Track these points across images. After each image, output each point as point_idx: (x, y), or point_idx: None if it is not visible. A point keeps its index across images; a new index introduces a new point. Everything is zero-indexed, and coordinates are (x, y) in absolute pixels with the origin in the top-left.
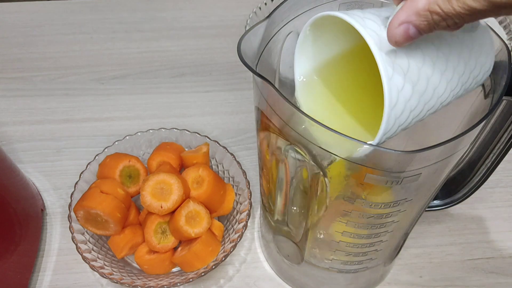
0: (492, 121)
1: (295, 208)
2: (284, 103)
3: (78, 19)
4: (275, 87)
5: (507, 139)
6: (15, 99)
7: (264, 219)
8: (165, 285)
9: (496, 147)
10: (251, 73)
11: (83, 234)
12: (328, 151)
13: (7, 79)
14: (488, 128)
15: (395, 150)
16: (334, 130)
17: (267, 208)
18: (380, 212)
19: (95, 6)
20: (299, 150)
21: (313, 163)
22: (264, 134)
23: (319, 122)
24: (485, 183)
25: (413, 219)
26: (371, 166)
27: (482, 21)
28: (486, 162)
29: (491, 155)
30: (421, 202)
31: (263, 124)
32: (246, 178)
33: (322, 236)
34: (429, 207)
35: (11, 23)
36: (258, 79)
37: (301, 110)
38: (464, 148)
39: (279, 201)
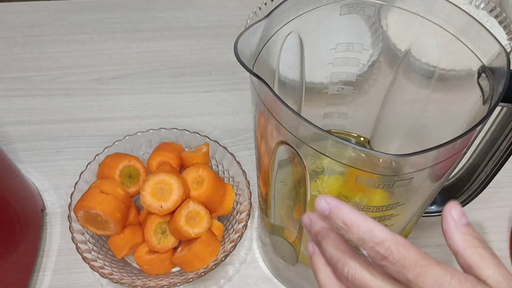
0: (492, 128)
1: (289, 208)
2: (279, 103)
3: (78, 19)
4: (270, 88)
5: (506, 146)
6: (15, 99)
7: (261, 220)
8: (165, 285)
9: (496, 155)
10: None
11: (83, 234)
12: (322, 153)
13: (7, 79)
14: (487, 135)
15: (385, 154)
16: (328, 133)
17: (263, 209)
18: (372, 215)
19: (95, 6)
20: (294, 152)
21: (306, 164)
22: (262, 135)
23: (314, 125)
24: None
25: (407, 224)
26: (362, 169)
27: None
28: (486, 169)
29: (490, 162)
30: (415, 207)
31: (261, 124)
32: (246, 178)
33: None
34: (426, 213)
35: (11, 23)
36: (255, 79)
37: (294, 111)
38: (458, 154)
39: (274, 201)
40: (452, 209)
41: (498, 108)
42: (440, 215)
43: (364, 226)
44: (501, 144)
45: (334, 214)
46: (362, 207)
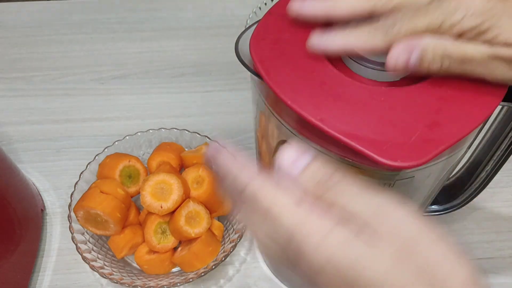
0: (492, 127)
1: None
2: (281, 103)
3: (78, 19)
4: (271, 86)
5: (506, 146)
6: (15, 99)
7: None
8: (165, 285)
9: (496, 154)
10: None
11: (83, 234)
12: (323, 152)
13: (7, 79)
14: (488, 135)
15: None
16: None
17: None
18: None
19: (95, 6)
20: None
21: None
22: (262, 134)
23: (316, 123)
24: None
25: None
26: (364, 168)
27: None
28: (486, 168)
29: (491, 161)
30: (416, 206)
31: (262, 124)
32: None
33: None
34: (427, 212)
35: (11, 23)
36: (256, 78)
37: (298, 110)
38: (459, 153)
39: None
40: (280, 157)
41: (498, 108)
42: (440, 214)
43: (231, 176)
44: (501, 143)
45: (215, 164)
46: None
